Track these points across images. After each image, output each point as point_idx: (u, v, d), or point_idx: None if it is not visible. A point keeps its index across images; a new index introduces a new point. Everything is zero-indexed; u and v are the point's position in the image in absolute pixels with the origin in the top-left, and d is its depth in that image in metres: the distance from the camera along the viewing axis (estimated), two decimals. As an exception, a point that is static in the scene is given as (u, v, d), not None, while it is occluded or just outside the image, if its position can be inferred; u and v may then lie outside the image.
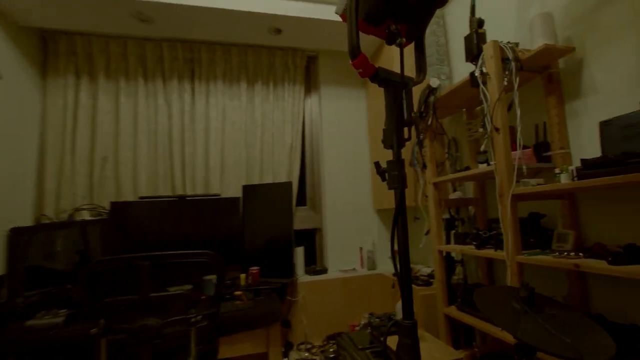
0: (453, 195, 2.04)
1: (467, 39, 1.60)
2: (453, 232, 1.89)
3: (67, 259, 2.16)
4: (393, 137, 1.08)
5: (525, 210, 1.71)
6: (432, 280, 2.16)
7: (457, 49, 2.28)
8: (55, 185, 2.39)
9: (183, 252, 1.57)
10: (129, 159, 2.52)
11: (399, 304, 1.48)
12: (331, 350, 2.12)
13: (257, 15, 2.37)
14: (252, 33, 2.60)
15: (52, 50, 2.50)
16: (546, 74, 1.56)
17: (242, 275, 2.21)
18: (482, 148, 1.57)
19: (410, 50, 1.23)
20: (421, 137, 2.06)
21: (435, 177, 1.94)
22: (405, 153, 2.37)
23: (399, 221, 1.06)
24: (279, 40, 2.72)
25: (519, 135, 1.43)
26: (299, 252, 2.57)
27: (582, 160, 1.12)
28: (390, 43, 1.14)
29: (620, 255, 1.01)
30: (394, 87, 1.11)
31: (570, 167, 1.25)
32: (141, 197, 2.37)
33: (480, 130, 1.96)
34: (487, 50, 1.48)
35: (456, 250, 1.72)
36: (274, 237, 2.38)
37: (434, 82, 1.92)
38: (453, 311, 1.79)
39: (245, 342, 1.76)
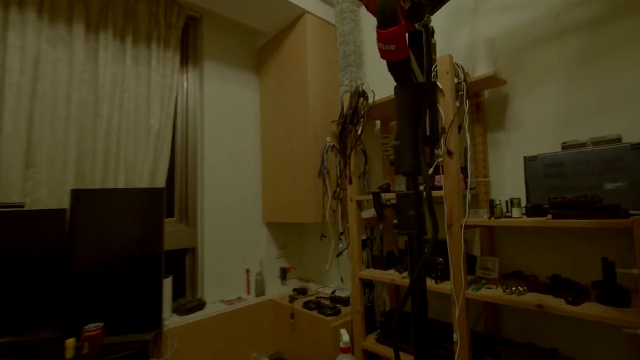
0: (366, 214, 1.89)
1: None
2: (368, 253, 1.73)
3: None
4: (414, 158, 0.75)
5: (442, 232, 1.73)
6: (338, 305, 1.94)
7: (370, 52, 2.16)
8: None
9: None
10: None
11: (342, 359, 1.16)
12: None
13: None
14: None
15: None
16: (475, 101, 1.59)
17: (70, 342, 1.33)
18: (430, 171, 1.45)
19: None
20: (349, 147, 1.80)
21: (357, 194, 1.73)
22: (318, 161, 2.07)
23: (417, 290, 0.74)
24: (150, -22, 1.88)
25: (469, 161, 1.37)
26: (167, 285, 1.84)
27: (550, 199, 1.12)
28: (415, 20, 0.81)
29: (577, 295, 1.04)
30: (414, 86, 0.78)
31: (504, 201, 1.26)
32: None
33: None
34: (442, 64, 1.36)
35: (385, 278, 1.55)
36: (127, 268, 1.58)
37: (366, 86, 1.70)
38: (373, 344, 1.62)
39: None
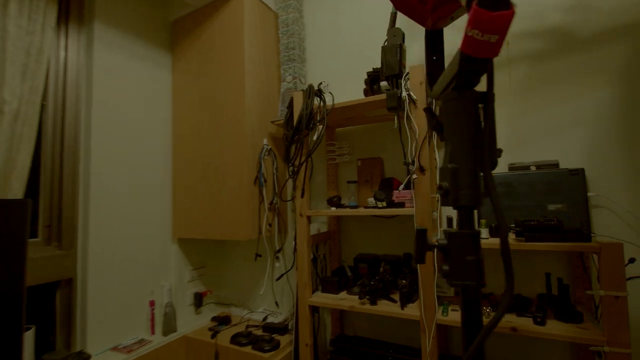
0: (311, 230, 1.68)
1: (388, 50, 1.32)
2: (314, 274, 1.53)
3: None
4: (472, 186, 0.59)
5: (387, 247, 1.66)
6: (275, 336, 1.67)
7: (312, 48, 1.97)
8: None
9: None
10: None
11: None
12: None
13: None
14: None
15: None
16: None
17: None
18: (401, 188, 1.34)
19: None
20: (303, 154, 1.55)
21: (308, 209, 1.50)
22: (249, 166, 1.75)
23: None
24: None
25: (437, 177, 1.32)
26: (27, 342, 1.22)
27: (517, 220, 1.13)
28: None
29: (543, 315, 1.08)
30: (475, 95, 0.62)
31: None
32: None
33: (346, 156, 1.76)
34: (416, 73, 1.28)
35: (340, 305, 1.37)
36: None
37: (325, 85, 1.50)
38: (325, 381, 1.42)
39: None
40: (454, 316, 1.19)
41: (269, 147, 1.82)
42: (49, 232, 1.53)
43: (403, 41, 1.31)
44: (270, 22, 1.95)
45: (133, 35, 1.81)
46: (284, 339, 1.66)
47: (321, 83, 1.49)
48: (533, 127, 1.41)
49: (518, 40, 1.44)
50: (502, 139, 1.46)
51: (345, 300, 1.41)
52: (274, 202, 1.81)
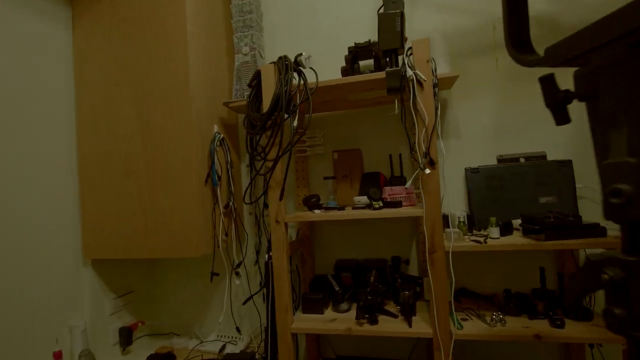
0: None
1: (386, 19, 1.09)
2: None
3: None
4: None
5: (369, 251, 1.47)
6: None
7: (271, 16, 1.62)
8: None
9: None
10: None
11: None
12: None
13: None
14: None
15: None
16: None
17: None
18: (408, 184, 1.13)
19: None
20: (283, 146, 1.22)
21: (285, 213, 1.20)
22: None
23: None
24: None
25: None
26: None
27: (523, 216, 1.04)
28: None
29: (559, 319, 1.02)
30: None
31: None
32: None
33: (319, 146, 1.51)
34: (420, 49, 1.08)
35: (335, 330, 1.13)
36: None
37: (305, 57, 1.20)
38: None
39: None
40: (470, 328, 1.06)
41: (222, 135, 1.43)
42: None
43: (403, 8, 1.09)
44: (216, -24, 1.53)
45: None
46: (252, 374, 1.35)
47: (300, 54, 1.18)
48: (519, 117, 1.36)
49: (506, 24, 1.36)
50: (489, 130, 1.39)
51: (337, 321, 1.17)
52: (230, 204, 1.45)
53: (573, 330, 1.00)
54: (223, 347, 1.51)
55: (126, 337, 1.54)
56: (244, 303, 1.57)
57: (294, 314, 1.26)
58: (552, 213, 1.05)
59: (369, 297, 1.16)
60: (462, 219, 1.18)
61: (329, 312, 1.26)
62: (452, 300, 1.07)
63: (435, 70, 1.13)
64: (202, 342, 1.58)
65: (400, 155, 1.46)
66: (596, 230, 0.98)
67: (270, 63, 1.19)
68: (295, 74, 1.18)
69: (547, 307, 1.09)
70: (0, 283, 1.12)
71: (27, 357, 1.18)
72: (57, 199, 1.34)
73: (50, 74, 1.35)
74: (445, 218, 1.22)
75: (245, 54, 1.44)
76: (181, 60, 1.29)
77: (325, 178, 1.42)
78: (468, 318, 1.14)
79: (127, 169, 1.36)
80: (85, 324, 1.35)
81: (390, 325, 1.11)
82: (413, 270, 1.44)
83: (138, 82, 1.35)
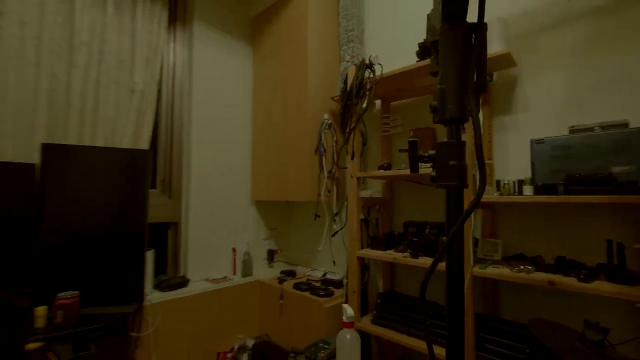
0: (364, 193, 1.83)
1: (432, 16, 1.38)
2: (365, 234, 1.68)
3: None
4: (459, 104, 0.69)
5: (438, 216, 1.71)
6: (330, 288, 1.88)
7: (373, 29, 2.08)
8: None
9: None
10: None
11: (344, 335, 1.10)
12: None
13: None
14: None
15: None
16: (480, 83, 1.57)
17: (41, 309, 1.19)
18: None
19: None
20: (353, 121, 1.72)
21: (357, 171, 1.66)
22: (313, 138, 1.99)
23: (453, 246, 0.69)
24: None
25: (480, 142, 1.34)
26: (148, 259, 1.70)
27: (567, 175, 1.11)
28: None
29: (588, 274, 1.04)
30: (466, 26, 0.71)
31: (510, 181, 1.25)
32: None
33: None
34: (460, 38, 1.31)
35: (385, 257, 1.51)
36: (106, 236, 1.44)
37: (375, 57, 1.63)
38: (368, 325, 1.58)
39: None
40: (494, 271, 1.21)
41: (329, 121, 2.02)
42: (163, 186, 2.03)
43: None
44: (332, 8, 2.14)
45: (222, 30, 2.22)
46: (338, 292, 1.86)
47: (371, 56, 1.62)
48: (595, 87, 1.29)
49: (586, -8, 1.33)
50: (561, 101, 1.38)
51: (390, 254, 1.53)
52: (333, 171, 2.02)
53: (596, 285, 1.00)
54: (324, 275, 2.10)
55: (271, 256, 2.37)
56: (333, 235, 2.12)
57: (364, 249, 1.69)
58: (598, 173, 1.07)
59: (414, 239, 1.47)
60: (506, 182, 1.30)
61: (389, 252, 1.62)
62: (471, 243, 1.24)
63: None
64: (312, 270, 2.22)
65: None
66: (633, 188, 0.96)
67: (351, 65, 1.69)
68: (368, 70, 1.62)
69: (591, 270, 1.09)
70: (215, 207, 2.10)
71: (221, 246, 2.13)
72: (241, 165, 2.29)
73: (241, 88, 2.32)
74: (498, 182, 1.37)
75: (347, 61, 1.98)
76: (302, 71, 1.97)
77: (400, 150, 1.77)
78: (498, 267, 1.26)
79: (275, 144, 2.16)
80: (249, 239, 2.24)
81: (425, 261, 1.39)
82: (475, 233, 1.59)
83: (283, 88, 2.13)
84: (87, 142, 1.62)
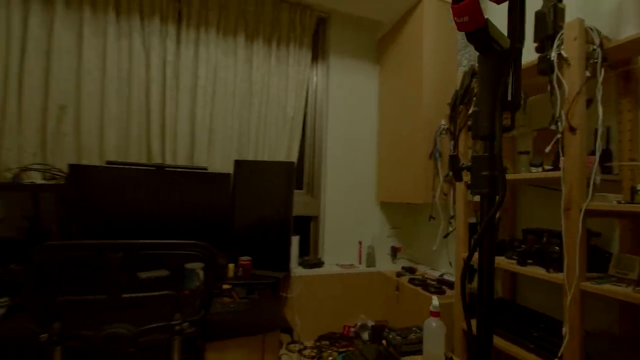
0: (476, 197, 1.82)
1: (540, 14, 1.32)
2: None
3: (11, 230, 1.71)
4: (490, 122, 0.81)
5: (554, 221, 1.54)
6: (443, 287, 1.98)
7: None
8: (-7, 136, 1.86)
9: (166, 242, 1.21)
10: (93, 112, 2.03)
11: (430, 323, 1.27)
12: (330, 359, 1.90)
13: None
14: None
15: (-8, -43, 1.88)
16: (622, 70, 1.34)
17: (231, 266, 1.89)
18: (548, 149, 1.34)
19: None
20: (457, 125, 1.79)
21: (467, 175, 1.70)
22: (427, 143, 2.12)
23: (485, 241, 0.80)
24: (289, -9, 2.28)
25: (599, 140, 1.21)
26: (294, 242, 2.28)
27: None
28: None
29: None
30: (497, 54, 0.82)
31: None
32: (109, 162, 1.93)
33: (522, 127, 1.74)
34: (570, 30, 1.21)
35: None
36: (268, 223, 2.06)
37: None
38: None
39: (237, 350, 1.47)
40: (610, 288, 1.08)
41: (446, 126, 2.09)
42: (308, 187, 2.62)
43: (560, 0, 1.26)
44: (448, 16, 2.18)
45: (352, 56, 2.63)
46: (450, 292, 1.93)
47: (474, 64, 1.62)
48: None
49: None
50: None
51: (498, 260, 1.52)
52: (449, 173, 2.08)
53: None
54: (442, 275, 2.18)
55: (394, 253, 2.61)
56: (445, 237, 2.14)
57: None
58: None
59: (523, 246, 1.42)
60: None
61: (501, 258, 1.60)
62: (580, 253, 1.13)
63: (600, 42, 1.18)
64: (431, 269, 2.33)
65: (607, 129, 1.40)
66: None
67: (461, 72, 1.73)
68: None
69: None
70: (345, 205, 2.53)
71: (349, 238, 2.54)
72: (368, 170, 2.63)
73: (369, 104, 2.66)
74: (633, 188, 1.18)
75: (464, 66, 2.00)
76: (418, 82, 2.12)
77: (519, 153, 1.68)
78: (623, 286, 1.09)
79: (395, 150, 2.40)
80: (373, 234, 2.56)
81: (532, 270, 1.33)
82: (613, 247, 1.35)
83: (400, 100, 2.34)
84: (259, 158, 2.34)
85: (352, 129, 2.60)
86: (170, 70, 2.16)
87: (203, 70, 2.23)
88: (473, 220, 1.84)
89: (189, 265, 1.73)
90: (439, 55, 2.14)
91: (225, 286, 1.72)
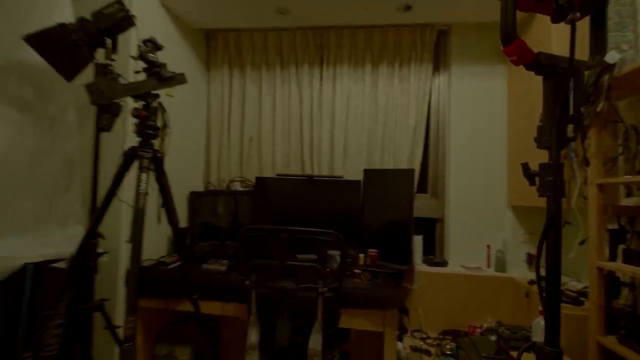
0: (627, 202, 1.63)
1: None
2: (622, 247, 1.53)
3: (225, 219, 2.69)
4: (551, 135, 0.94)
5: None
6: (582, 298, 1.82)
7: (659, 5, 1.70)
8: (217, 159, 2.96)
9: (314, 229, 1.74)
10: (268, 140, 2.89)
11: (539, 322, 1.33)
12: (448, 347, 2.07)
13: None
14: (381, 13, 2.52)
15: (212, 47, 3.01)
16: None
17: (361, 256, 2.34)
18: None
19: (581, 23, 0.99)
20: (585, 124, 1.68)
21: (601, 177, 1.58)
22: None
23: (551, 235, 0.94)
24: (407, 17, 2.56)
25: None
26: (417, 241, 2.54)
27: None
28: (557, 20, 0.97)
29: None
30: (559, 75, 0.94)
31: None
32: (278, 175, 2.73)
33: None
34: None
35: (627, 272, 1.40)
36: (392, 222, 2.40)
37: (612, 57, 1.51)
38: (611, 343, 1.49)
39: (363, 318, 1.89)
40: None
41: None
42: (432, 190, 2.81)
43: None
44: None
45: (475, 62, 2.66)
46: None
47: (607, 55, 1.48)
48: None
49: None
50: None
51: (631, 268, 1.38)
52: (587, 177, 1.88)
53: None
54: (585, 287, 1.97)
55: (529, 259, 2.47)
56: (580, 244, 1.88)
57: (612, 260, 1.56)
58: None
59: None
60: None
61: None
62: None
63: None
64: (576, 281, 2.11)
65: None
66: None
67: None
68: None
69: None
70: (473, 208, 2.59)
71: (475, 241, 2.57)
72: (497, 172, 2.60)
73: (499, 104, 2.62)
74: None
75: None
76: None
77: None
78: None
79: (527, 152, 2.31)
80: (504, 239, 2.51)
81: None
82: None
83: (533, 96, 2.24)
84: (385, 165, 2.71)
85: (478, 133, 2.63)
86: (316, 103, 2.83)
87: (339, 99, 2.80)
88: (614, 226, 1.66)
89: (330, 252, 2.29)
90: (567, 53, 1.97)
91: (356, 270, 2.18)
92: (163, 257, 2.30)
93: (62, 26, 1.49)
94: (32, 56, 1.54)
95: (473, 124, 2.64)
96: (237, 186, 2.87)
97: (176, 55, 2.59)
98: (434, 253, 2.77)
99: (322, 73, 2.86)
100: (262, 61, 2.93)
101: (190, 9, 2.51)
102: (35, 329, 1.50)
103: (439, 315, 2.38)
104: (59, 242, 1.77)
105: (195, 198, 2.68)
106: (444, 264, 2.51)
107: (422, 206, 2.74)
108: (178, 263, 2.18)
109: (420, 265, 2.49)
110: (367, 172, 2.59)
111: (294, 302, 1.73)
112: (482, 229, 2.58)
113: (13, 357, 1.50)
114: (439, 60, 2.82)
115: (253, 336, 1.73)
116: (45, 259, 1.60)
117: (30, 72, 1.68)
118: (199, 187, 2.91)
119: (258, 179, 2.63)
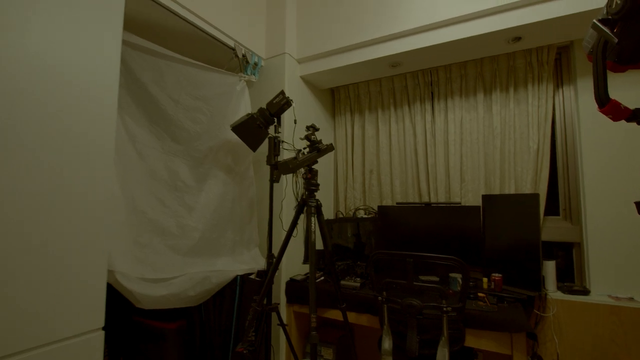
0: None
1: None
2: None
3: (351, 241, 3.18)
4: None
5: None
6: None
7: None
8: (344, 190, 3.53)
9: (437, 255, 2.03)
10: (386, 171, 3.30)
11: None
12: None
13: (493, 34, 2.42)
14: (489, 48, 2.66)
15: (336, 99, 3.66)
16: None
17: (484, 279, 2.44)
18: None
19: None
20: None
21: None
22: None
23: None
24: (518, 46, 2.61)
25: None
26: (549, 266, 2.45)
27: None
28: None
29: None
30: None
31: None
32: (397, 203, 3.08)
33: None
34: None
35: None
36: (517, 247, 2.42)
37: None
38: None
39: (489, 340, 2.02)
40: None
41: None
42: (564, 213, 2.66)
43: None
44: None
45: (608, 74, 2.46)
46: None
47: None
48: None
49: None
50: None
51: None
52: None
53: None
54: None
55: None
56: None
57: None
58: None
59: None
60: None
61: None
62: None
63: None
64: None
65: None
66: None
67: None
68: None
69: None
70: (620, 233, 2.37)
71: (628, 271, 2.31)
72: (647, 189, 2.31)
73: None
74: None
75: None
76: None
77: None
78: None
79: None
80: None
81: None
82: None
83: None
84: (505, 190, 2.74)
85: (617, 150, 2.40)
86: (429, 133, 3.09)
87: (452, 128, 3.00)
88: None
89: (452, 275, 2.49)
90: None
91: (480, 294, 2.31)
92: (307, 273, 2.92)
93: (250, 117, 2.28)
94: (232, 136, 2.38)
95: (609, 139, 2.43)
96: (361, 213, 3.35)
97: (311, 108, 3.31)
98: (572, 280, 2.58)
99: (433, 106, 3.12)
100: (378, 103, 3.39)
101: (320, 79, 3.22)
102: (242, 320, 2.26)
103: (582, 348, 2.24)
104: (248, 260, 2.57)
105: (329, 225, 3.27)
106: (584, 292, 2.35)
107: (553, 230, 2.62)
108: (322, 278, 2.76)
109: (553, 293, 2.40)
110: (486, 198, 2.68)
111: (421, 317, 2.02)
112: (635, 255, 2.30)
113: (230, 336, 2.28)
114: (562, 76, 2.71)
115: (387, 343, 2.09)
116: (245, 272, 2.37)
117: (231, 147, 2.56)
118: (330, 216, 3.51)
119: (380, 207, 3.04)
